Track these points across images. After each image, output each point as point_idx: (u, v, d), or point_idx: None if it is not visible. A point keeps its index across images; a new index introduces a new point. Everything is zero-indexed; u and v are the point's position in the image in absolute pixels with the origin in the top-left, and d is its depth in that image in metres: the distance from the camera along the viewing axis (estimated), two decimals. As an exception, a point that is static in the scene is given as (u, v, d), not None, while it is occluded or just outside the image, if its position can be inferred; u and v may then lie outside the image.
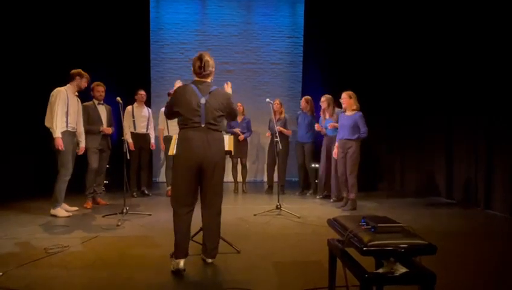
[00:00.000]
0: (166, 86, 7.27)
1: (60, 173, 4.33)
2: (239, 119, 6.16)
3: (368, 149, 6.68)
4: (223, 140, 2.84)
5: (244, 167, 6.25)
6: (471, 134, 5.27)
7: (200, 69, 2.79)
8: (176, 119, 2.92)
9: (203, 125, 2.72)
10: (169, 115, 2.94)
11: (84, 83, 4.52)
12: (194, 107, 2.71)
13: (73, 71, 4.47)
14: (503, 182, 4.73)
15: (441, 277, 1.74)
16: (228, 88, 3.06)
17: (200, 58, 2.78)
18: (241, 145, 6.08)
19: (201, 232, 2.95)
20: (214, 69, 2.86)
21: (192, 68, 2.84)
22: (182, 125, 2.78)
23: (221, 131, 2.85)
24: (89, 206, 4.83)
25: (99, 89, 4.95)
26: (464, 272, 2.78)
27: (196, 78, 2.83)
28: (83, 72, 4.51)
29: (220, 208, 2.87)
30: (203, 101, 2.73)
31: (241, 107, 6.18)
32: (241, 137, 6.03)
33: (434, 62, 5.92)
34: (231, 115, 2.96)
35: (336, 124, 5.29)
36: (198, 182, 2.77)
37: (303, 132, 5.90)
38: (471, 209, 5.08)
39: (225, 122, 5.64)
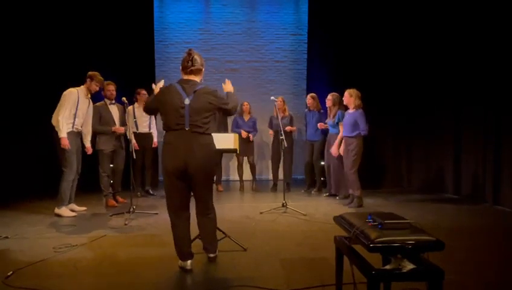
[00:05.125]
0: (171, 85, 7.28)
1: (64, 173, 4.36)
2: (246, 118, 6.16)
3: (374, 146, 6.65)
4: (210, 144, 2.65)
5: (252, 165, 6.26)
6: (479, 129, 5.22)
7: (188, 63, 2.64)
8: None
9: (187, 129, 2.55)
10: (148, 110, 2.80)
11: (94, 86, 4.47)
12: (177, 108, 2.54)
13: (88, 72, 4.46)
14: (511, 177, 4.68)
15: (449, 273, 1.72)
16: (228, 86, 2.89)
17: (189, 53, 2.66)
18: (246, 144, 6.08)
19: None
20: (203, 68, 2.72)
21: (180, 66, 2.70)
22: (166, 128, 2.64)
23: (209, 134, 2.65)
24: (111, 204, 4.89)
25: (110, 88, 4.92)
26: (472, 268, 2.76)
27: (183, 77, 2.68)
28: (95, 75, 4.45)
29: (212, 209, 2.79)
30: (187, 101, 2.56)
31: (248, 106, 6.17)
32: (249, 137, 6.02)
33: (440, 58, 5.87)
34: (225, 110, 2.69)
35: (323, 124, 5.55)
36: (189, 186, 2.67)
37: (312, 130, 5.87)
38: (479, 205, 5.03)
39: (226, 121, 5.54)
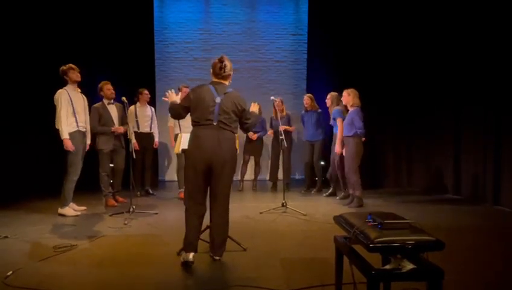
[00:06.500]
0: (171, 85, 7.26)
1: (68, 173, 4.35)
2: None
3: (374, 146, 6.65)
4: (234, 139, 2.87)
5: (257, 165, 6.26)
6: (479, 129, 5.22)
7: (221, 70, 2.86)
8: (188, 118, 2.93)
9: (215, 124, 2.77)
10: (177, 114, 2.94)
11: (74, 76, 4.35)
12: (208, 105, 2.77)
13: (60, 71, 4.34)
14: (511, 177, 4.67)
15: (448, 273, 1.72)
16: (254, 108, 3.15)
17: (221, 60, 2.87)
18: (254, 144, 6.09)
19: (208, 229, 2.98)
20: (232, 73, 2.94)
21: (211, 70, 2.91)
22: (195, 123, 2.83)
23: (234, 132, 2.87)
24: (111, 204, 4.89)
25: (109, 87, 4.90)
26: (472, 268, 2.76)
27: (214, 80, 2.90)
28: (64, 67, 4.34)
29: (228, 206, 2.89)
30: (218, 100, 2.79)
31: (257, 106, 6.16)
32: (255, 136, 6.04)
33: (440, 58, 5.87)
34: (243, 122, 2.92)
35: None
36: (209, 179, 2.81)
37: (312, 130, 5.86)
38: (479, 205, 5.04)
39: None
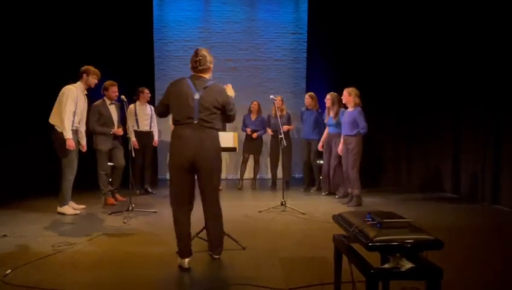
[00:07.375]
0: (170, 83, 7.27)
1: (64, 172, 4.33)
2: (253, 117, 6.17)
3: (374, 145, 6.65)
4: (217, 138, 2.76)
5: (257, 163, 6.26)
6: (479, 128, 5.22)
7: (196, 63, 2.73)
8: None
9: (195, 122, 2.64)
10: (160, 113, 2.84)
11: (92, 80, 4.37)
12: (187, 102, 2.63)
13: (81, 68, 4.37)
14: (510, 176, 4.68)
15: (447, 272, 1.72)
16: (229, 90, 2.90)
17: (196, 53, 2.74)
18: (254, 143, 6.09)
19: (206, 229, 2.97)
20: (212, 65, 2.80)
21: (190, 64, 2.79)
22: (175, 122, 2.71)
23: (216, 129, 2.75)
24: (110, 203, 4.87)
25: (114, 89, 4.87)
26: (471, 267, 2.76)
27: (193, 74, 2.78)
28: (91, 68, 4.36)
29: (219, 204, 2.83)
30: (196, 96, 2.65)
31: (256, 106, 6.17)
32: (255, 135, 6.04)
33: (440, 58, 5.86)
34: (227, 116, 2.79)
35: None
36: (194, 180, 2.74)
37: (309, 129, 5.88)
38: (477, 205, 5.04)
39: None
